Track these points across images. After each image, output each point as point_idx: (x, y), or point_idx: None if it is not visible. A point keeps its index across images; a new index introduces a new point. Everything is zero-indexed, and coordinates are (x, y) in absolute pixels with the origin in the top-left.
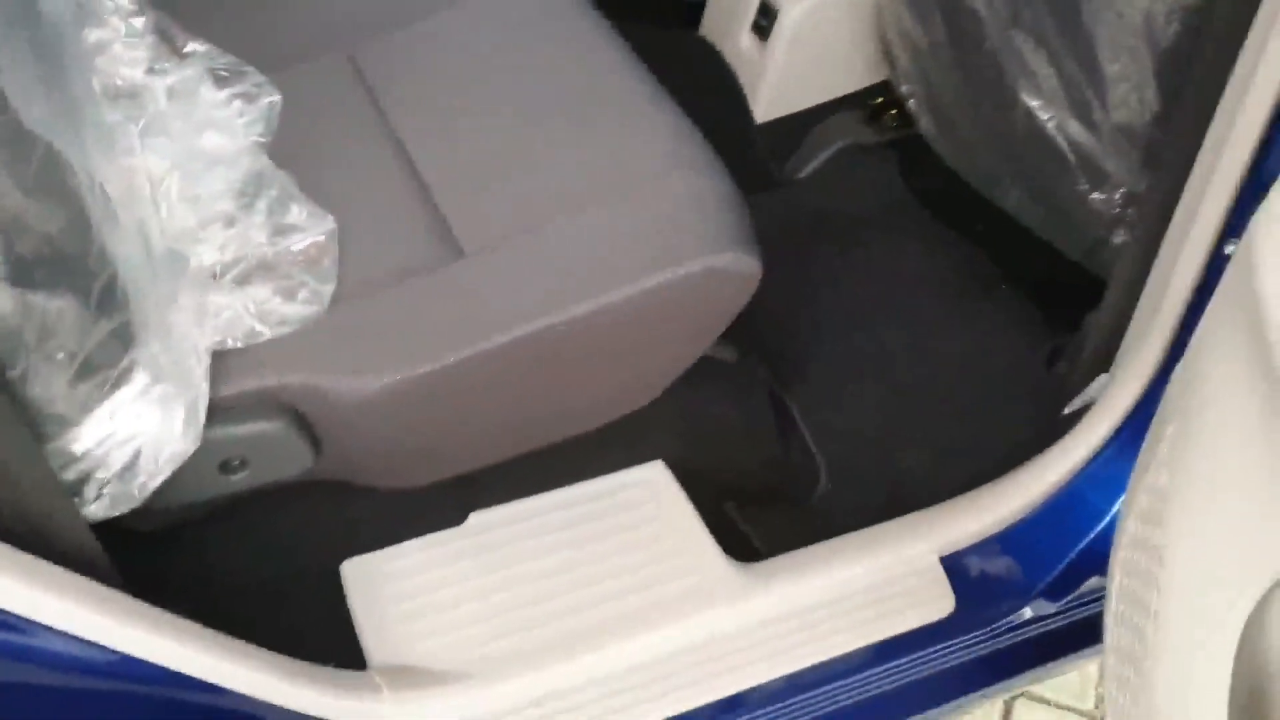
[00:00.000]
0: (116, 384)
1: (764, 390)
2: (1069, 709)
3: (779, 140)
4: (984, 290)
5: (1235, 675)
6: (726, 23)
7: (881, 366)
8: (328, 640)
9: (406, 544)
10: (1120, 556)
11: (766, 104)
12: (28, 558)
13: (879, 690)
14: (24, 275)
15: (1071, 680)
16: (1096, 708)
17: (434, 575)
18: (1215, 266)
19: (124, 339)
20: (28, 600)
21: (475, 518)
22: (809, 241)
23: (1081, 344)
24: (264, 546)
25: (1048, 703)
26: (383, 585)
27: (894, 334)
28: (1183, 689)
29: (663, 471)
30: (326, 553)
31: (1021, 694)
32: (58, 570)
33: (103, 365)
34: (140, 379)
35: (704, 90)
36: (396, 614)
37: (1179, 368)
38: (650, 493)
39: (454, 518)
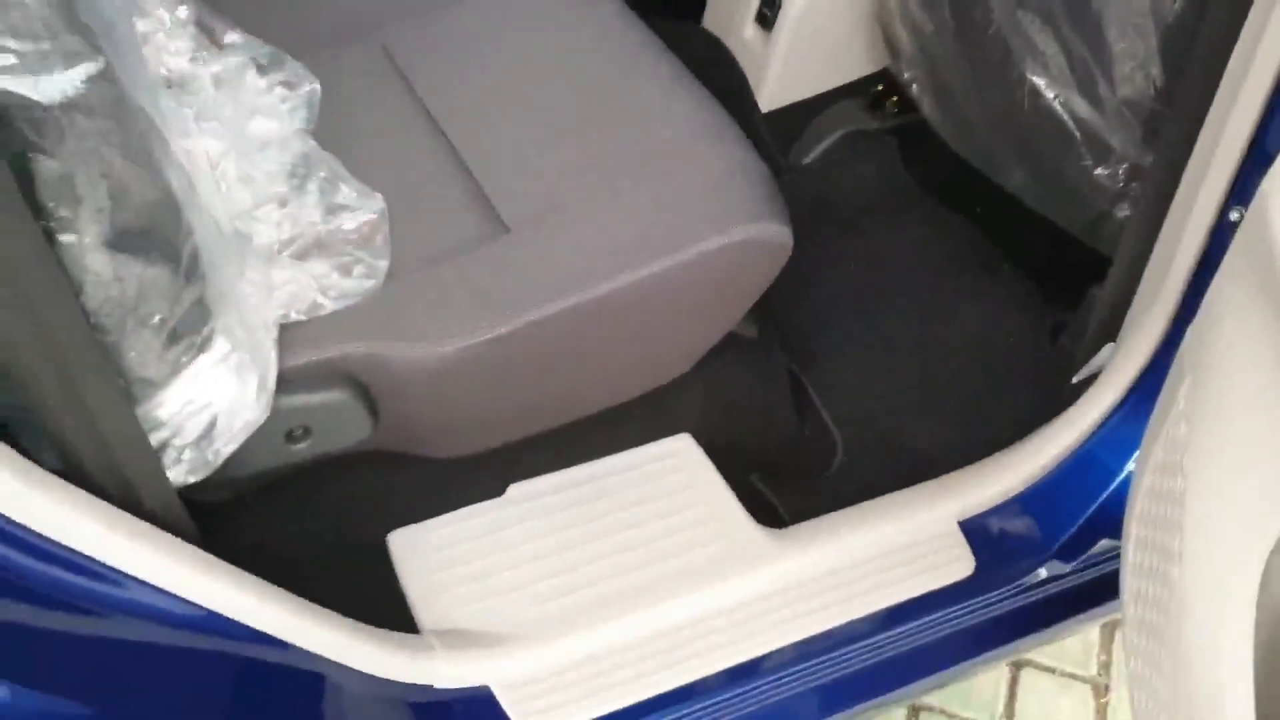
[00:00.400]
0: (200, 350)
1: (782, 367)
2: (1073, 676)
3: (783, 128)
4: (986, 269)
5: (1257, 609)
6: (730, 14)
7: (890, 344)
8: (375, 608)
9: (450, 515)
10: (1137, 510)
11: (771, 93)
12: (122, 514)
13: (904, 648)
14: (124, 242)
15: (1074, 650)
16: (1099, 674)
17: (478, 544)
18: (1219, 234)
19: (205, 308)
20: (122, 553)
21: (514, 489)
22: (815, 226)
23: (1087, 316)
24: (308, 520)
25: (1052, 671)
26: (429, 554)
27: (900, 313)
28: (1213, 622)
29: (690, 444)
30: (370, 525)
31: (1028, 663)
32: (150, 527)
33: (188, 332)
34: (221, 346)
35: (709, 80)
36: (443, 581)
37: (1192, 327)
38: (680, 464)
39: (491, 489)
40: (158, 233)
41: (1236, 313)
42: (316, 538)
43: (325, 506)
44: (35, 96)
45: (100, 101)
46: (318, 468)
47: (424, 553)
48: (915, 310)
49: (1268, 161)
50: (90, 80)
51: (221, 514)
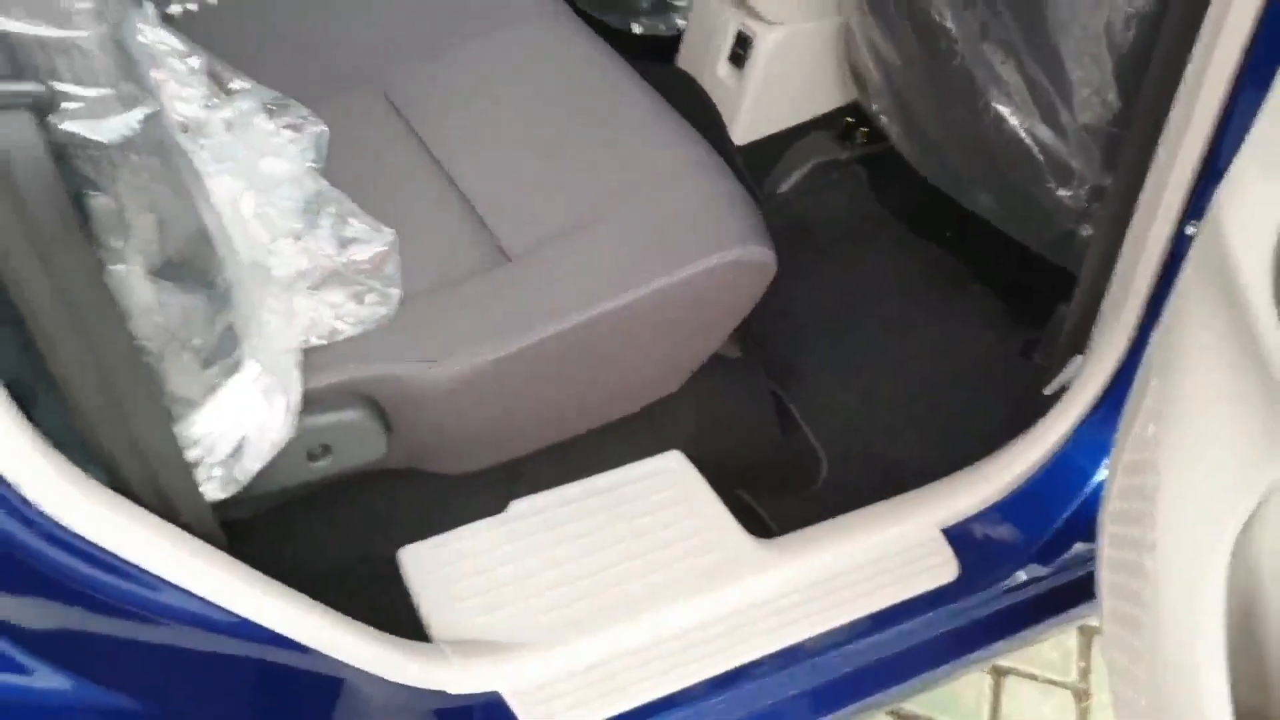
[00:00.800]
0: (232, 372)
1: (765, 387)
2: (1054, 683)
3: (756, 160)
4: (956, 289)
5: (1227, 593)
6: (703, 54)
7: (868, 362)
8: (388, 620)
9: (457, 530)
10: (1111, 508)
11: (744, 127)
12: (166, 525)
13: (893, 651)
14: (167, 271)
15: (1054, 658)
16: (1079, 680)
17: (484, 558)
18: (1177, 248)
19: (235, 333)
20: (166, 562)
21: (516, 505)
22: (791, 252)
23: (1056, 330)
24: (320, 537)
25: (1034, 678)
26: (438, 569)
27: (876, 333)
28: (1186, 603)
29: (682, 460)
30: (380, 541)
31: (1010, 671)
32: (189, 537)
33: (221, 355)
34: (251, 368)
35: (685, 115)
36: (453, 593)
37: (1155, 335)
38: (673, 479)
39: (494, 505)
40: (196, 263)
41: (1197, 318)
42: (329, 553)
43: (336, 524)
44: (96, 137)
45: (149, 141)
46: (329, 487)
47: (433, 567)
48: (891, 330)
49: (1218, 179)
50: (143, 122)
51: (238, 532)
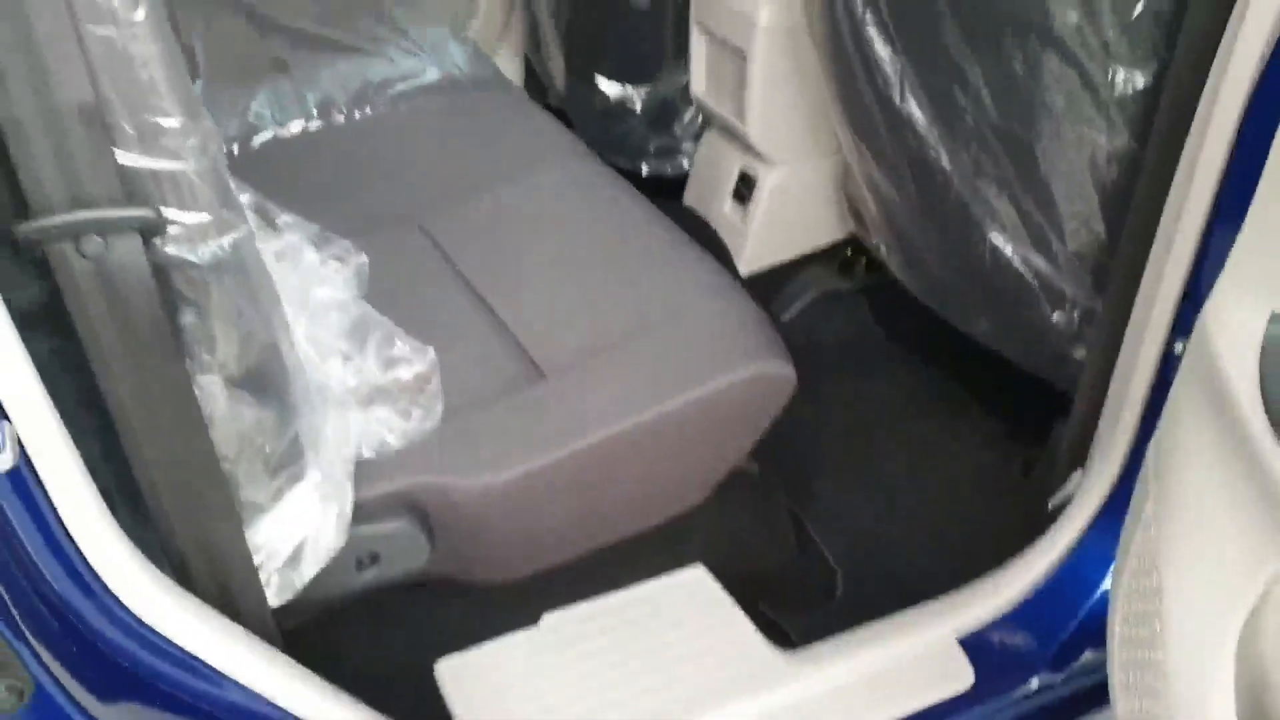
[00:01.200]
0: (296, 480)
1: (783, 506)
2: None
3: (761, 291)
4: (959, 411)
5: (1236, 683)
6: (710, 193)
7: (879, 482)
8: None
9: (491, 643)
10: (1119, 612)
11: (749, 259)
12: (232, 624)
13: None
14: (245, 382)
15: None
16: None
17: (518, 670)
18: (1167, 365)
19: (299, 443)
20: (229, 659)
21: (549, 618)
22: (799, 373)
23: (1056, 447)
24: (359, 647)
25: None
26: (474, 680)
27: (885, 452)
28: (1198, 697)
29: (705, 574)
30: (416, 652)
31: None
32: (251, 635)
33: (288, 464)
34: (313, 476)
35: None
36: (488, 705)
37: (1151, 445)
38: (696, 592)
39: (526, 617)
40: (270, 375)
41: (1191, 427)
42: (368, 664)
43: (376, 635)
44: (194, 259)
45: (237, 261)
46: (369, 598)
47: (469, 679)
48: (900, 450)
49: (1199, 300)
50: (234, 245)
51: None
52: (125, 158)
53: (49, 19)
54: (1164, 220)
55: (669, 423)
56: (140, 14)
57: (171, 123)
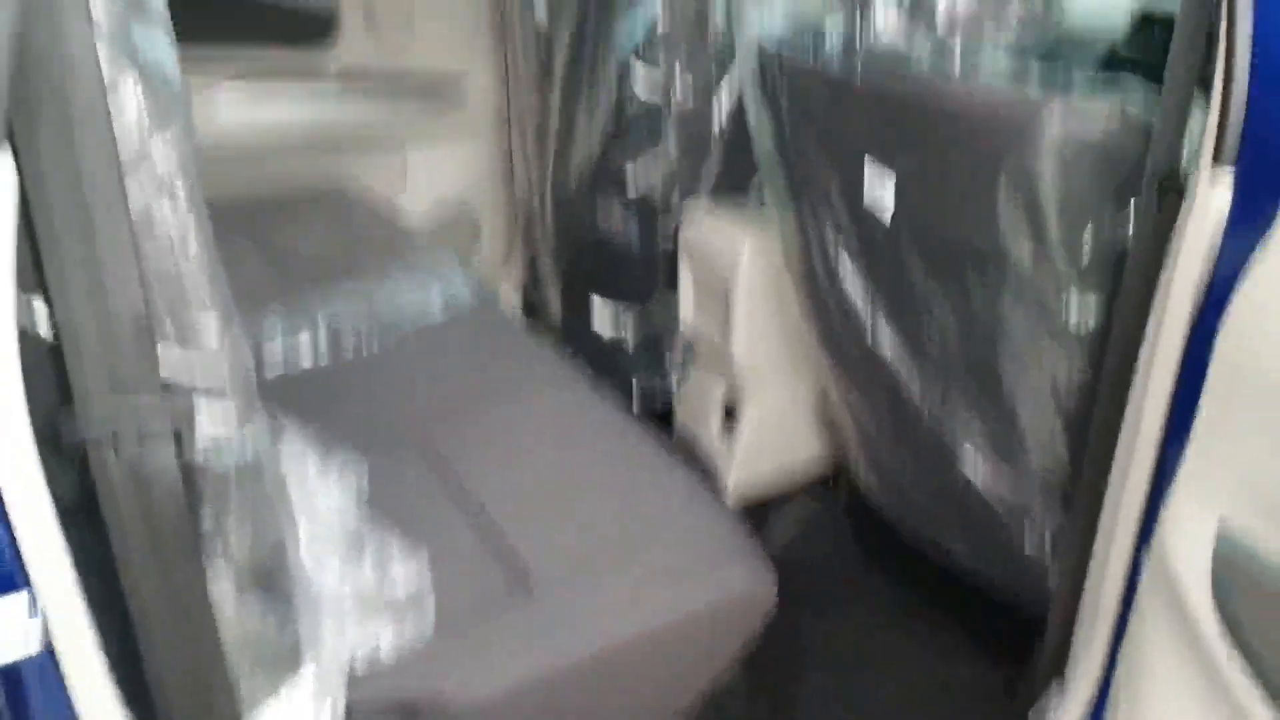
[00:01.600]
0: (293, 676)
1: (768, 716)
2: None
3: (748, 514)
4: (940, 633)
5: None
6: (696, 419)
7: (862, 696)
8: None
9: None
10: None
11: (736, 483)
12: None
13: None
14: (254, 579)
15: None
16: None
17: None
18: (1134, 575)
19: (299, 643)
20: None
21: None
22: (783, 592)
23: (1037, 663)
24: None
25: None
26: None
27: (866, 668)
28: None
29: None
30: None
31: None
32: None
33: (287, 661)
34: (310, 675)
35: None
36: None
37: (1120, 658)
38: None
39: None
40: (276, 574)
41: (1152, 639)
42: None
43: None
44: (217, 469)
45: (256, 465)
46: None
47: None
48: (881, 667)
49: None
50: (256, 451)
51: None
52: (165, 353)
53: (109, 240)
54: (1122, 437)
55: (654, 640)
56: (193, 248)
57: (210, 331)
